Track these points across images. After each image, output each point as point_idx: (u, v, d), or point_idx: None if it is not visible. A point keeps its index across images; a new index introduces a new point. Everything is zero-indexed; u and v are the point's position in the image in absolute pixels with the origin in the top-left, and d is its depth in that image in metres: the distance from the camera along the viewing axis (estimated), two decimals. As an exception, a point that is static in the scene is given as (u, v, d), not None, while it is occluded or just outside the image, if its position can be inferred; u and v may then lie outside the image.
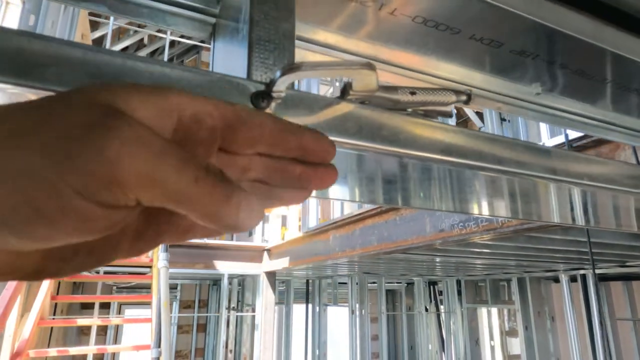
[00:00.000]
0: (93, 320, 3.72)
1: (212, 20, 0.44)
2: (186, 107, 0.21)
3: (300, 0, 0.44)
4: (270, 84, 0.25)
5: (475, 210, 0.57)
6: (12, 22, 2.56)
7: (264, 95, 0.25)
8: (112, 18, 5.06)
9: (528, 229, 1.89)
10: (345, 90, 0.28)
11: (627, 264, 3.79)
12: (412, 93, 0.31)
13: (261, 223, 4.48)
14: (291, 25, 0.28)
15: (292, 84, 0.27)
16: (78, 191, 0.17)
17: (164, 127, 0.20)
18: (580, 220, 0.65)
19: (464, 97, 0.35)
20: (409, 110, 0.32)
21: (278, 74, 0.24)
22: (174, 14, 0.44)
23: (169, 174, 0.18)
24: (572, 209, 0.62)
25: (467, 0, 0.42)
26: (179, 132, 0.21)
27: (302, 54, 0.50)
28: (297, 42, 0.50)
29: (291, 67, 0.23)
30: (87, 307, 6.60)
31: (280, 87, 0.25)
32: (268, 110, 0.26)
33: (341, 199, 0.51)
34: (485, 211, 0.59)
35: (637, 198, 0.48)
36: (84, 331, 6.77)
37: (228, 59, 0.36)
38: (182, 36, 6.43)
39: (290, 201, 0.27)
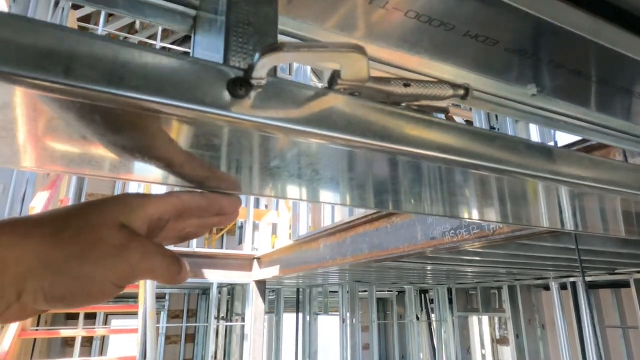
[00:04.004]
0: (77, 332, 3.62)
1: (193, 12, 0.42)
2: (155, 214, 0.35)
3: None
4: (249, 70, 0.23)
5: (466, 215, 0.56)
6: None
7: (242, 82, 0.23)
8: (101, 25, 5.00)
9: (519, 237, 1.88)
10: (334, 79, 0.25)
11: (617, 271, 3.81)
12: (406, 85, 0.29)
13: (251, 231, 4.45)
14: (273, 10, 0.26)
15: (275, 71, 0.25)
16: (115, 283, 0.31)
17: (144, 229, 0.34)
18: (569, 225, 0.63)
19: (461, 92, 0.33)
20: (403, 104, 0.30)
21: (257, 56, 0.21)
22: (153, 5, 0.41)
23: (157, 266, 0.33)
24: (560, 213, 0.60)
25: (463, -6, 0.40)
26: (150, 227, 0.35)
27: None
28: (290, 39, 0.47)
29: (272, 47, 0.20)
30: (72, 318, 6.45)
31: (261, 72, 0.22)
32: (248, 101, 0.23)
33: (333, 202, 0.49)
34: (476, 216, 0.57)
35: (624, 199, 0.46)
36: (69, 342, 6.60)
37: (207, 51, 0.34)
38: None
39: (199, 236, 0.44)
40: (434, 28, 0.45)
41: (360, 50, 0.22)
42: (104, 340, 6.95)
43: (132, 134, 0.26)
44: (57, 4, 3.75)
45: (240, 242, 7.28)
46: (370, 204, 0.49)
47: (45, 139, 0.28)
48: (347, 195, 0.47)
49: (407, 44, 0.49)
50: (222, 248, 7.98)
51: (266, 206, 5.93)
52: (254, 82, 0.23)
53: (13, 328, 3.08)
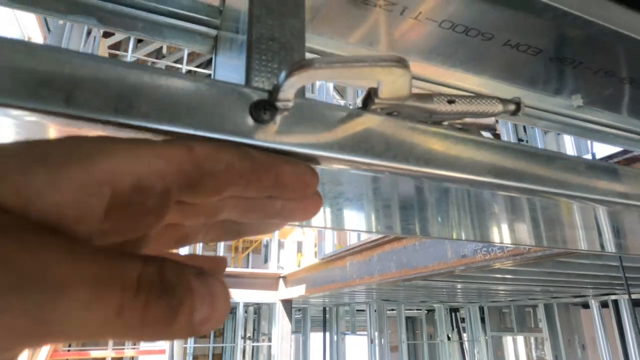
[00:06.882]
0: (107, 353, 3.65)
1: (214, 32, 0.40)
2: (124, 176, 0.16)
3: (319, 13, 0.40)
4: (273, 92, 0.20)
5: (497, 239, 0.53)
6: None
7: (267, 105, 0.20)
8: (130, 51, 5.17)
9: (557, 254, 1.78)
10: (369, 98, 0.22)
11: (663, 288, 3.58)
12: (450, 102, 0.25)
13: (277, 249, 4.39)
14: (300, 22, 0.23)
15: (303, 92, 0.22)
16: None
17: (90, 210, 0.15)
18: (610, 247, 0.58)
19: (512, 107, 0.29)
20: (445, 123, 0.27)
21: (283, 75, 0.18)
22: (173, 26, 0.40)
23: (74, 317, 0.13)
24: (599, 234, 0.55)
25: (503, -1, 0.37)
26: (113, 209, 0.16)
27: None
28: (315, 56, 0.45)
29: (300, 64, 0.17)
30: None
31: (287, 93, 0.19)
32: (273, 126, 0.20)
33: (357, 230, 0.46)
34: (507, 239, 0.53)
35: None
36: (99, 362, 6.68)
37: (228, 73, 0.31)
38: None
39: (266, 231, 0.25)
40: (471, 38, 0.42)
41: (403, 63, 0.19)
42: (133, 359, 6.99)
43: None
44: (89, 33, 3.92)
45: (266, 260, 7.26)
46: (396, 230, 0.46)
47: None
48: (373, 221, 0.44)
49: (439, 56, 0.46)
50: (247, 267, 7.97)
51: (291, 224, 5.90)
52: (279, 104, 0.20)
53: (45, 350, 3.12)
